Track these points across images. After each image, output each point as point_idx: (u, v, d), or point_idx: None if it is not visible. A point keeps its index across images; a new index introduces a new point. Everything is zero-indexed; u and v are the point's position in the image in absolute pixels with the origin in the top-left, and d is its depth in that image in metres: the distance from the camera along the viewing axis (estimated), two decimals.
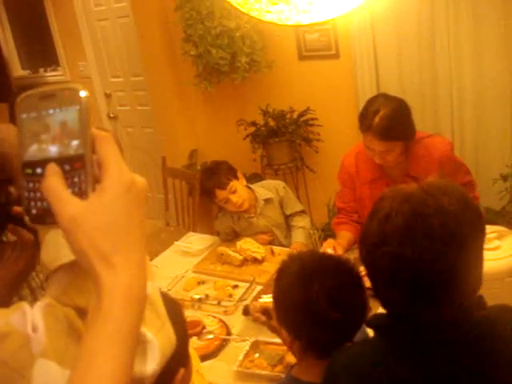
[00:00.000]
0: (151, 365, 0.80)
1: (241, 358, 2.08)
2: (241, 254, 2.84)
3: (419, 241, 1.14)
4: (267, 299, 2.32)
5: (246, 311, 2.37)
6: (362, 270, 1.34)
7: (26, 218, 0.67)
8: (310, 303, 1.44)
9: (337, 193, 2.98)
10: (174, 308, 1.57)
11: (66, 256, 0.80)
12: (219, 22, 3.94)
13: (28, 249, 1.12)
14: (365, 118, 2.49)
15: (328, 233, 4.07)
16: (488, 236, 2.01)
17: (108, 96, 5.39)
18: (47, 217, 0.65)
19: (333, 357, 1.38)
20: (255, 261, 2.83)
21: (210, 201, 3.14)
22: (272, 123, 4.18)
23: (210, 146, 4.76)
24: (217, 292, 2.61)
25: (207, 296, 2.57)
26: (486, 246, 1.93)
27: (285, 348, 2.04)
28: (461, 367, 1.21)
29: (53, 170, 0.64)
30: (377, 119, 2.43)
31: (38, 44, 5.78)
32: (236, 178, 3.00)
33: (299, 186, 4.37)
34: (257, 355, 2.09)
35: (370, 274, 1.28)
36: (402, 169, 2.62)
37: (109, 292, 0.63)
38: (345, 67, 4.02)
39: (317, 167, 4.34)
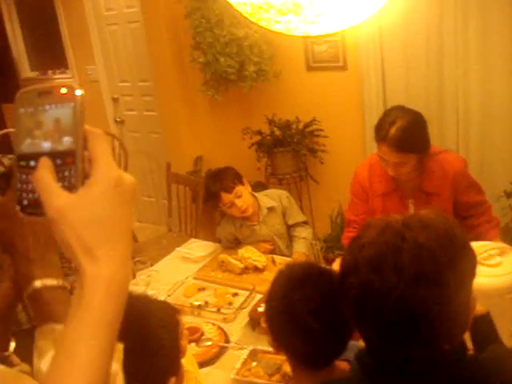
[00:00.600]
0: None
1: (238, 366, 2.08)
2: (242, 262, 2.84)
3: (388, 274, 1.08)
4: None
5: (254, 322, 2.36)
6: None
7: (18, 208, 0.69)
8: (291, 312, 1.44)
9: (349, 205, 2.93)
10: (170, 315, 1.58)
11: None
12: (228, 30, 3.96)
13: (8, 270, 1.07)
14: (380, 129, 2.47)
15: (330, 244, 4.08)
16: (489, 252, 2.02)
17: (115, 100, 5.41)
18: (37, 207, 0.67)
19: None
20: (256, 269, 2.83)
21: (213, 206, 3.15)
22: (277, 133, 4.19)
23: (215, 154, 4.77)
24: (217, 299, 2.61)
25: (207, 303, 2.57)
26: (487, 262, 1.96)
27: (282, 358, 2.04)
28: None
29: (45, 163, 0.67)
30: (392, 130, 2.42)
31: (48, 46, 5.82)
32: (242, 183, 3.01)
33: (302, 196, 4.37)
34: (254, 364, 2.08)
35: (342, 305, 1.22)
36: (415, 183, 2.61)
37: (91, 284, 0.64)
38: (352, 79, 4.03)
39: (321, 178, 4.35)
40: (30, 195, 0.68)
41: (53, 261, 0.92)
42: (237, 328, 2.40)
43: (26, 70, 6.13)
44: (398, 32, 3.69)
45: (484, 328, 1.52)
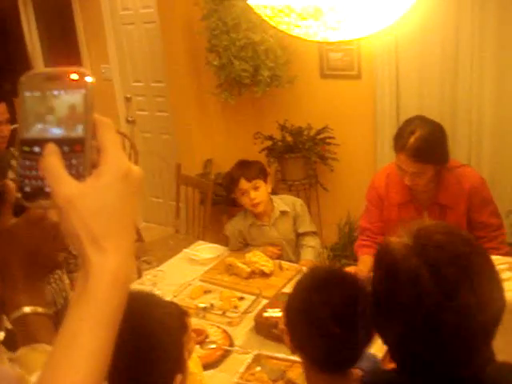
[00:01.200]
0: None
1: (242, 370, 2.07)
2: (249, 267, 2.83)
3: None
4: (273, 313, 2.32)
5: (260, 326, 2.34)
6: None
7: (19, 195, 0.67)
8: (312, 314, 1.44)
9: (363, 212, 2.91)
10: (174, 314, 1.58)
11: None
12: (244, 34, 3.96)
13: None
14: (400, 138, 2.47)
15: (337, 252, 4.07)
16: (500, 267, 2.00)
17: (128, 100, 5.42)
18: (40, 195, 0.66)
19: None
20: (263, 274, 2.81)
21: (227, 194, 3.15)
22: (289, 139, 4.19)
23: (226, 157, 4.76)
24: (222, 302, 2.60)
25: (212, 305, 2.56)
26: None
27: (287, 363, 2.03)
28: None
29: (52, 149, 0.64)
30: (412, 140, 2.41)
31: (63, 43, 5.83)
32: (265, 180, 3.05)
33: (311, 204, 4.36)
34: (258, 369, 2.07)
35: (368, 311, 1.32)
36: (431, 195, 2.60)
37: (96, 275, 0.64)
38: (366, 88, 4.03)
39: (330, 186, 4.34)
40: (33, 182, 0.66)
41: (41, 290, 0.95)
42: (242, 332, 2.39)
43: (40, 66, 6.15)
44: (413, 43, 3.69)
45: None
